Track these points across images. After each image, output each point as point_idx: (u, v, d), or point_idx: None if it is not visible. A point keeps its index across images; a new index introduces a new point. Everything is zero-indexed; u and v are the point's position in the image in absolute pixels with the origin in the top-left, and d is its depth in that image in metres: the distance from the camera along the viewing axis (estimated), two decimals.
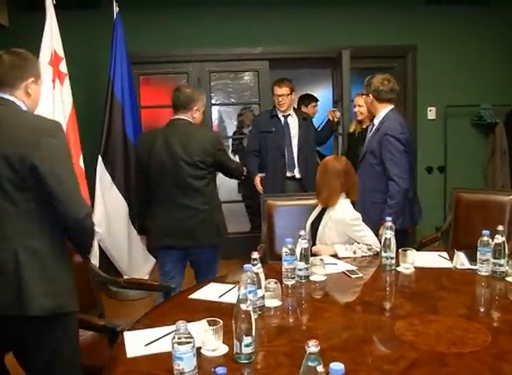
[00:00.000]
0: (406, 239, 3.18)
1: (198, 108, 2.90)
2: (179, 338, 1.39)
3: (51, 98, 3.30)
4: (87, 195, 3.53)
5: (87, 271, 2.49)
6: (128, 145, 3.87)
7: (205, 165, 2.82)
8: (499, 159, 5.01)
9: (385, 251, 2.38)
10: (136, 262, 4.00)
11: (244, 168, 3.34)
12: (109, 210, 3.81)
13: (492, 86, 5.03)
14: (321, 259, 2.33)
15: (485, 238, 2.23)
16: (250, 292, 1.72)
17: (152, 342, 1.64)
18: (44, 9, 3.36)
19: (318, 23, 4.81)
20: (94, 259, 3.34)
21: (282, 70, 4.91)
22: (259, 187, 4.15)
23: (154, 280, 3.02)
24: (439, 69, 5.00)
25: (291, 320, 1.95)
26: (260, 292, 1.88)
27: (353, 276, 2.30)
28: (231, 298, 1.95)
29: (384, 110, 3.14)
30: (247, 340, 1.50)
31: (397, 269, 2.36)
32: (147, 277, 4.04)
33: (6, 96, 1.77)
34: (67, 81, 3.47)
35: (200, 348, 1.54)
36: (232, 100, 6.00)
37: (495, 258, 2.20)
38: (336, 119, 4.21)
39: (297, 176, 4.14)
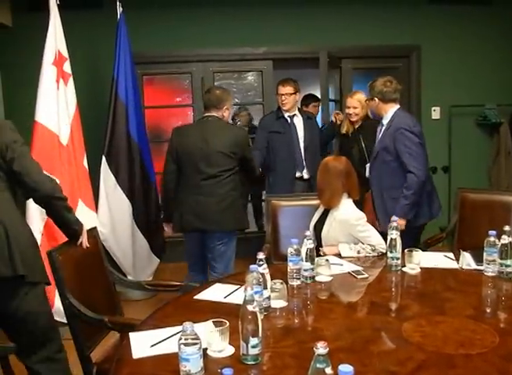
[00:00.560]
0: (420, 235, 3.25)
1: (228, 107, 3.24)
2: (185, 339, 1.38)
3: (55, 98, 3.29)
4: (91, 196, 3.53)
5: (107, 275, 2.47)
6: (132, 145, 3.87)
7: (236, 156, 3.14)
8: (503, 159, 4.99)
9: (390, 252, 2.37)
10: (141, 262, 4.00)
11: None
12: (113, 210, 3.81)
13: (497, 85, 5.02)
14: (327, 260, 2.32)
15: (492, 239, 2.22)
16: (256, 293, 1.71)
17: (158, 343, 1.63)
18: (46, 9, 3.36)
19: (322, 22, 4.81)
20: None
21: (286, 70, 4.90)
22: None
23: (160, 280, 3.02)
24: (443, 69, 5.00)
25: (297, 321, 1.94)
26: (266, 293, 1.87)
27: (358, 276, 2.29)
28: (236, 298, 1.94)
29: (392, 109, 3.16)
30: (253, 341, 1.49)
31: (403, 269, 2.35)
32: (150, 278, 4.04)
33: None
34: (71, 82, 3.47)
35: (206, 349, 1.53)
36: (236, 100, 6.00)
37: (501, 258, 2.19)
38: (338, 122, 4.20)
39: (305, 176, 4.10)
